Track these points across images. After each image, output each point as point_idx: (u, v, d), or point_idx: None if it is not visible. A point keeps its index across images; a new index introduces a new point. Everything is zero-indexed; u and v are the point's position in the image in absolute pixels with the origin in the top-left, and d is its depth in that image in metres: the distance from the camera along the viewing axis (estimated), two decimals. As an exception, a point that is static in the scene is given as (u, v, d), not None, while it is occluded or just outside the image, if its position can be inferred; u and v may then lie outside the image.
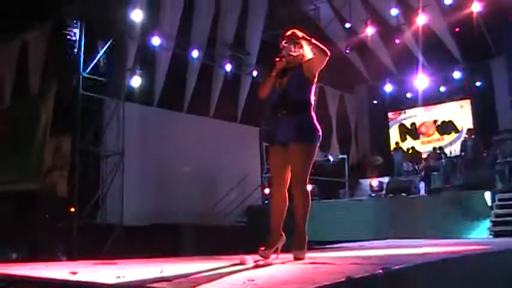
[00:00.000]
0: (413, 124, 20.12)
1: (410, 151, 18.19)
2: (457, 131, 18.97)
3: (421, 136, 20.06)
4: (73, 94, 12.90)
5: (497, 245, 5.71)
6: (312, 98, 4.33)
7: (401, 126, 20.59)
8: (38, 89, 13.98)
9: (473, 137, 14.91)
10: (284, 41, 4.33)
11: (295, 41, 4.31)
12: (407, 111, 20.41)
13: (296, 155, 4.16)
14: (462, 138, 16.57)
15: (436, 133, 19.72)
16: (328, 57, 4.22)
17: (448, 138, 19.33)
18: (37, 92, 13.98)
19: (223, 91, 16.55)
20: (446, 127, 19.53)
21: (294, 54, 4.30)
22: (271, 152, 4.39)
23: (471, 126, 17.31)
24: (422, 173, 14.79)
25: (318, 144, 4.30)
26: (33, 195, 13.19)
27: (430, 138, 19.75)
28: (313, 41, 4.26)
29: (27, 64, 14.21)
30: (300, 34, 4.35)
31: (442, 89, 18.87)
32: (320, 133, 4.28)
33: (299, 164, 4.17)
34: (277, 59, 4.30)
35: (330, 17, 17.19)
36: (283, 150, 4.23)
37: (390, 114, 20.81)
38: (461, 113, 19.14)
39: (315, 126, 4.26)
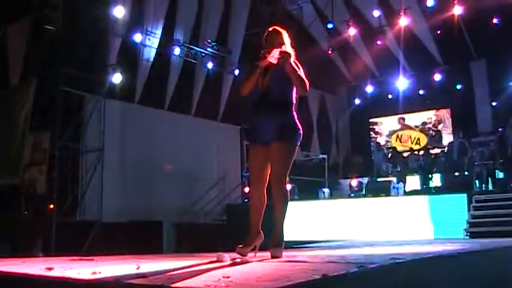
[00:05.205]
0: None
1: (390, 154, 18.26)
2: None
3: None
4: (53, 89, 12.78)
5: (472, 246, 5.77)
6: (294, 96, 4.29)
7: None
8: (18, 83, 13.85)
9: (459, 140, 14.91)
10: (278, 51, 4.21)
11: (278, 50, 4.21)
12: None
13: (277, 154, 4.14)
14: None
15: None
16: (306, 93, 4.26)
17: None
18: (17, 86, 13.84)
19: (205, 89, 16.55)
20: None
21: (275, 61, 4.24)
22: (252, 151, 4.35)
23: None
24: (400, 174, 14.87)
25: (299, 144, 4.31)
26: (12, 190, 13.07)
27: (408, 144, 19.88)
28: (299, 72, 4.19)
29: (7, 58, 14.06)
30: (291, 53, 4.24)
31: (421, 92, 19.04)
32: (301, 132, 4.27)
33: (280, 163, 4.15)
34: (265, 57, 4.19)
35: (312, 16, 17.24)
36: (264, 150, 4.20)
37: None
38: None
39: (297, 125, 4.24)
